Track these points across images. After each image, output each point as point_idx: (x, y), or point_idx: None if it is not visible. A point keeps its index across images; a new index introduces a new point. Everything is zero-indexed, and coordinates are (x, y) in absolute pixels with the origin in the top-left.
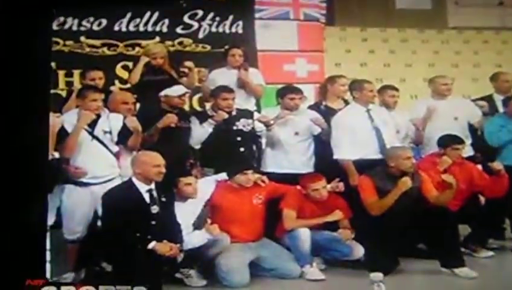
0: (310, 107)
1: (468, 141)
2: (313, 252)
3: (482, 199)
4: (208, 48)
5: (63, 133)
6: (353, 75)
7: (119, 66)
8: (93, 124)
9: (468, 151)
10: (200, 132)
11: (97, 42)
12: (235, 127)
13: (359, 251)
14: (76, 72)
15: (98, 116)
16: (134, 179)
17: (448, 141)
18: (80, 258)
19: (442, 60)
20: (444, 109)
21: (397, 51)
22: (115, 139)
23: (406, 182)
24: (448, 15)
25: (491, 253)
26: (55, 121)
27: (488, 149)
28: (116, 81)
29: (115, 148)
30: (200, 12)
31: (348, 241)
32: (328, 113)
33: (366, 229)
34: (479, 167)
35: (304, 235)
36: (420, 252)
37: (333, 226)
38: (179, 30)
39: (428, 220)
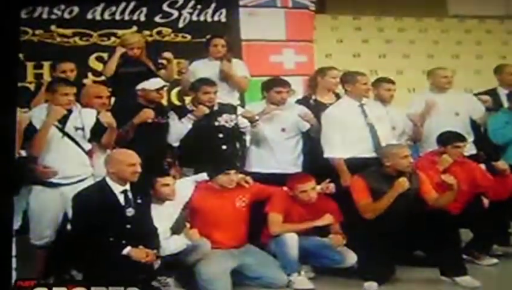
0: (298, 102)
1: (470, 138)
2: (301, 260)
3: (486, 201)
4: (188, 37)
5: (31, 130)
6: (345, 66)
7: (92, 57)
8: (64, 120)
9: (470, 149)
10: (178, 128)
11: (69, 31)
12: (216, 123)
13: (351, 258)
14: (46, 64)
15: (70, 111)
16: (108, 179)
17: (448, 138)
18: (48, 265)
19: (442, 50)
20: (444, 103)
21: (393, 41)
22: (88, 136)
23: (403, 183)
24: (448, 2)
25: (495, 260)
26: (22, 116)
27: (491, 147)
28: (89, 74)
29: (88, 146)
30: (180, 0)
31: (340, 247)
32: (317, 108)
33: (359, 235)
34: (482, 166)
35: (291, 241)
36: (418, 259)
37: (323, 231)
38: (157, 19)
39: (427, 224)
